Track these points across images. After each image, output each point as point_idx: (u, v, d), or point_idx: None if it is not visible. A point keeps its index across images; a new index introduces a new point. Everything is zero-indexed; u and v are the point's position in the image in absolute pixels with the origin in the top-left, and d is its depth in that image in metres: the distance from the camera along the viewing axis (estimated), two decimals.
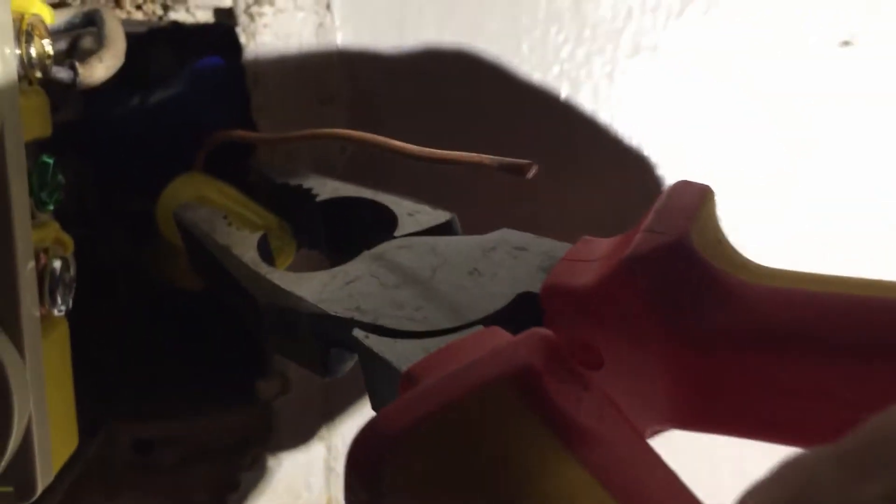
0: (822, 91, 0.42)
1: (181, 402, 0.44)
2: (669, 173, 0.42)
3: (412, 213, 0.33)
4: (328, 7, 0.39)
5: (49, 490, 0.39)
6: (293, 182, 0.35)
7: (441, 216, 0.33)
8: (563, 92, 0.41)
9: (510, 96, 0.41)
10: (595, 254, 0.27)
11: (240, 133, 0.38)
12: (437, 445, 0.21)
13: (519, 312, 0.27)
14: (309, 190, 0.35)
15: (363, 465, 0.21)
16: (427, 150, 0.31)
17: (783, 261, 0.26)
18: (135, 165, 0.43)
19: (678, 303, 0.24)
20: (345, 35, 0.40)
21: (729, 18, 0.42)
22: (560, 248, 0.28)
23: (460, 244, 0.30)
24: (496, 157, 0.29)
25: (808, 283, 0.24)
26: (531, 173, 0.28)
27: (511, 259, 0.29)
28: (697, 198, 0.26)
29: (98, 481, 0.42)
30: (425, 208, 0.33)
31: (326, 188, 0.35)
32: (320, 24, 0.39)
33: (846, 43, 0.42)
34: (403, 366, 0.25)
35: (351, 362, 0.30)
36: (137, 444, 0.42)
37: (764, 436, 0.25)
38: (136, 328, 0.45)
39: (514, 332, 0.24)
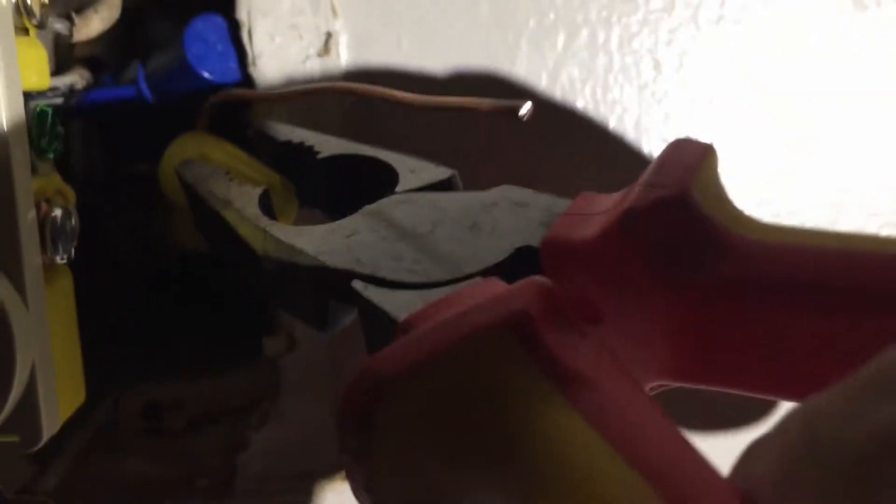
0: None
1: (188, 363, 0.44)
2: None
3: (413, 170, 0.33)
4: None
5: (58, 453, 0.40)
6: (295, 140, 0.36)
7: (442, 172, 0.33)
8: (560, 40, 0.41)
9: (506, 39, 0.41)
10: (595, 208, 0.27)
11: (240, 92, 0.38)
12: (431, 389, 0.21)
13: (518, 266, 0.27)
14: (311, 147, 0.35)
15: (354, 407, 0.21)
16: (425, 97, 0.31)
17: None
18: (140, 129, 0.43)
19: (677, 256, 0.24)
20: None
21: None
22: (560, 203, 0.29)
23: (461, 200, 0.30)
24: (491, 100, 0.29)
25: (806, 238, 0.24)
26: (525, 112, 0.28)
27: (511, 214, 0.29)
28: (699, 154, 0.26)
29: (107, 445, 0.42)
30: (427, 165, 0.33)
31: (328, 145, 0.35)
32: None
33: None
34: (401, 315, 0.25)
35: (349, 316, 0.30)
36: (146, 407, 0.42)
37: (761, 389, 0.25)
38: (143, 292, 0.45)
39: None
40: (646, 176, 0.26)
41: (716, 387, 0.26)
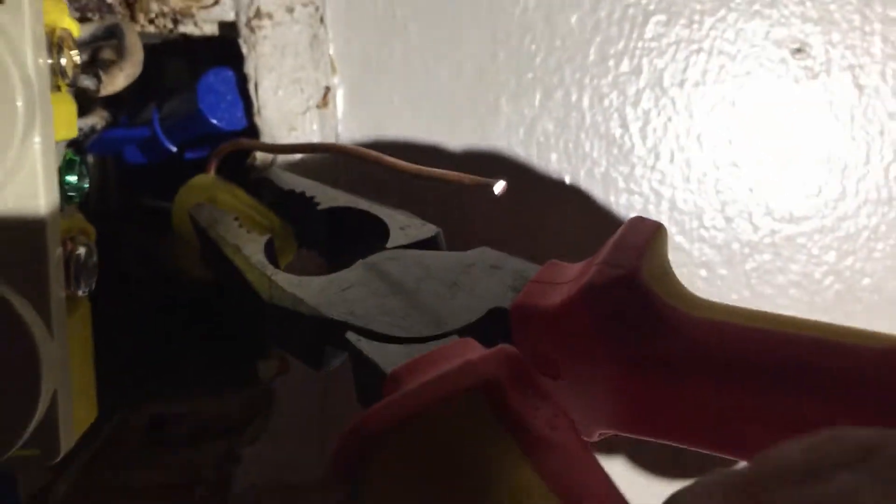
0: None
1: (190, 383, 0.47)
2: (640, 172, 0.46)
3: (403, 227, 0.36)
4: (322, 20, 0.42)
5: (69, 463, 0.43)
6: (298, 189, 0.39)
7: (428, 231, 0.36)
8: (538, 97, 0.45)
9: (488, 97, 0.45)
10: (559, 278, 0.30)
11: (248, 142, 0.41)
12: (413, 444, 0.24)
13: (491, 324, 0.30)
14: (312, 198, 0.38)
15: (345, 457, 0.24)
16: (415, 166, 0.34)
17: None
18: (153, 165, 0.46)
19: (624, 330, 0.27)
20: (337, 45, 0.44)
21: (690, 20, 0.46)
22: (530, 268, 0.32)
23: (444, 259, 0.34)
24: (473, 177, 0.32)
25: (740, 318, 0.27)
26: (499, 190, 0.31)
27: (487, 276, 0.32)
28: (650, 233, 0.29)
29: (114, 456, 0.45)
30: (415, 222, 0.36)
31: (327, 197, 0.38)
32: (314, 36, 0.42)
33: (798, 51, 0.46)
34: (388, 368, 0.28)
35: (341, 358, 0.33)
36: (150, 422, 0.45)
37: (692, 445, 0.28)
38: (151, 316, 0.48)
39: (487, 341, 0.27)
40: (603, 254, 0.29)
41: (654, 439, 0.29)
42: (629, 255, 0.28)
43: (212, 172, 0.40)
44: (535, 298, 0.30)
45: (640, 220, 0.30)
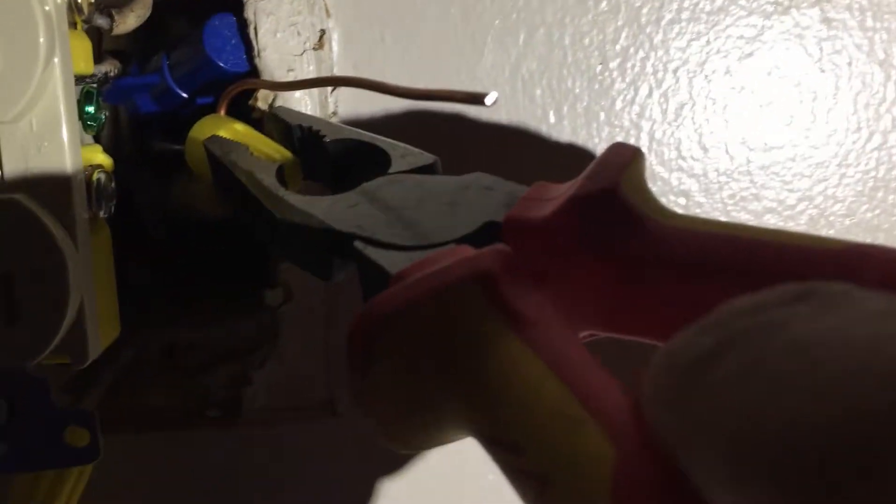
0: None
1: (201, 311, 0.50)
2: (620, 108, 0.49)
3: (404, 155, 0.38)
4: None
5: (92, 387, 0.46)
6: (305, 124, 0.41)
7: (427, 158, 0.38)
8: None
9: (474, 37, 0.48)
10: (546, 195, 0.33)
11: (255, 81, 0.44)
12: (417, 325, 0.27)
13: (485, 236, 0.32)
14: (318, 131, 0.41)
15: (359, 335, 0.27)
16: (410, 88, 0.37)
17: None
18: (164, 114, 0.49)
19: (605, 235, 0.30)
20: None
21: None
22: (520, 189, 0.34)
23: (441, 182, 0.36)
24: (464, 91, 0.35)
25: (709, 226, 0.30)
26: (491, 101, 0.34)
27: (481, 195, 0.34)
28: (629, 155, 0.32)
29: (132, 381, 0.48)
30: (414, 151, 0.39)
31: (332, 130, 0.41)
32: None
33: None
34: (393, 270, 0.30)
35: (346, 271, 0.36)
36: (165, 349, 0.49)
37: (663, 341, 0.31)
38: (164, 252, 0.52)
39: None
40: (587, 171, 0.32)
41: (630, 337, 0.32)
42: (610, 172, 0.31)
43: (223, 112, 0.43)
44: (526, 211, 0.32)
45: (620, 145, 0.33)
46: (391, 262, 0.31)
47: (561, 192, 0.33)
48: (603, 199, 0.31)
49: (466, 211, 0.34)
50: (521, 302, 0.27)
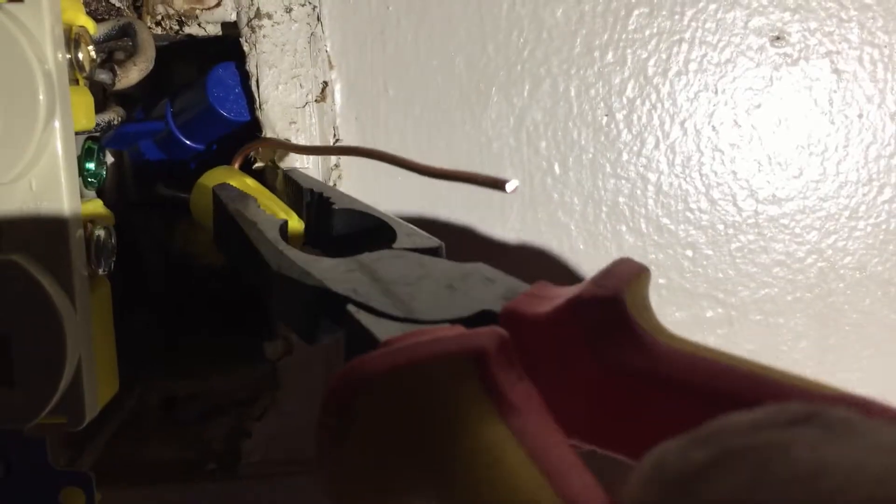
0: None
1: (201, 363, 0.49)
2: (629, 158, 0.49)
3: (409, 234, 0.38)
4: (318, 19, 0.45)
5: (92, 439, 0.45)
6: (316, 189, 0.41)
7: (432, 241, 0.38)
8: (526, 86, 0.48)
9: (478, 88, 0.47)
10: (548, 294, 0.33)
11: (277, 141, 0.44)
12: (402, 391, 0.26)
13: (479, 324, 0.31)
14: (328, 198, 0.40)
15: (339, 394, 0.26)
16: (432, 167, 0.36)
17: None
18: (167, 161, 0.49)
19: (604, 341, 0.30)
20: (333, 42, 0.46)
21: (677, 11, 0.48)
22: (522, 286, 0.34)
23: (443, 265, 0.36)
24: (484, 175, 0.34)
25: (696, 350, 0.30)
26: (511, 188, 0.33)
27: (481, 285, 0.34)
28: (636, 271, 0.32)
29: (131, 433, 0.47)
30: (421, 233, 0.38)
31: (343, 200, 0.41)
32: (312, 34, 0.45)
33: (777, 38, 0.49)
34: (383, 337, 0.30)
35: (333, 336, 0.35)
36: (164, 400, 0.48)
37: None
38: (165, 301, 0.51)
39: None
40: (592, 278, 0.32)
41: (613, 453, 0.31)
42: (615, 282, 0.31)
43: (236, 165, 0.43)
44: (525, 305, 0.32)
45: (627, 260, 0.33)
46: (382, 329, 0.31)
47: (562, 293, 0.32)
48: (605, 306, 0.30)
49: (464, 296, 0.33)
50: (511, 387, 0.27)
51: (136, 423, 0.47)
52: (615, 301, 0.30)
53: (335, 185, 0.47)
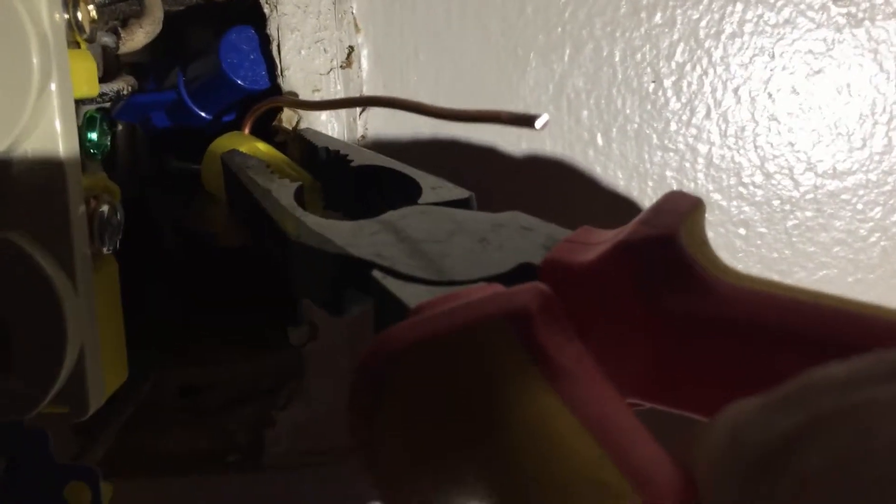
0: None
1: (221, 349, 0.47)
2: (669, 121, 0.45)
3: (435, 188, 0.35)
4: None
5: (105, 427, 0.43)
6: (332, 147, 0.38)
7: (461, 192, 0.35)
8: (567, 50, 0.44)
9: (515, 53, 0.44)
10: (592, 240, 0.30)
11: (284, 99, 0.41)
12: (436, 362, 0.23)
13: (518, 278, 0.29)
14: (346, 156, 0.38)
15: (369, 369, 0.24)
16: (451, 109, 0.33)
17: None
18: (181, 133, 0.46)
19: (660, 287, 0.27)
20: (360, 3, 0.43)
21: None
22: (562, 232, 0.31)
23: (475, 217, 0.33)
24: (510, 112, 0.31)
25: (769, 287, 0.27)
26: (541, 124, 0.30)
27: (518, 235, 0.31)
28: (690, 205, 0.29)
29: (148, 422, 0.45)
30: (447, 184, 0.36)
31: (361, 156, 0.38)
32: None
33: None
34: (413, 303, 0.27)
35: (361, 307, 0.32)
36: (184, 387, 0.46)
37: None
38: (183, 283, 0.49)
39: None
40: (640, 216, 0.29)
41: (676, 410, 0.28)
42: (668, 219, 0.28)
43: (247, 130, 0.40)
44: (568, 255, 0.29)
45: (678, 193, 0.30)
46: (411, 295, 0.28)
47: (608, 237, 0.29)
48: (659, 247, 0.27)
49: (500, 250, 0.30)
50: (558, 349, 0.24)
51: (154, 412, 0.46)
52: (670, 240, 0.27)
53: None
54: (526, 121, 0.30)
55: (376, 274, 0.29)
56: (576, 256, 0.29)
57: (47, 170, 0.32)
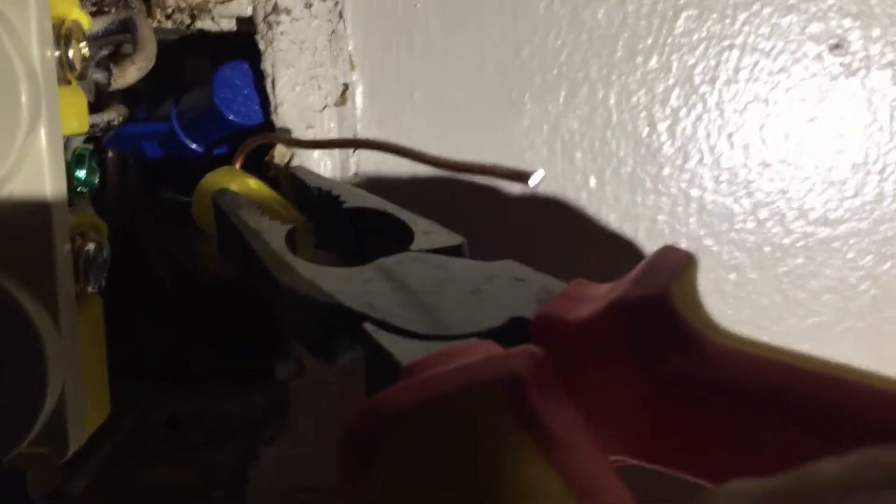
0: None
1: (209, 382, 0.47)
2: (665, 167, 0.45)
3: (427, 232, 0.35)
4: (341, 15, 0.42)
5: (86, 460, 0.43)
6: (324, 187, 0.38)
7: (453, 239, 0.35)
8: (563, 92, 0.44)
9: (511, 94, 0.44)
10: (585, 295, 0.29)
11: (278, 136, 0.41)
12: (429, 427, 0.23)
13: (511, 334, 0.29)
14: (338, 196, 0.37)
15: (358, 436, 0.24)
16: (448, 159, 0.33)
17: None
18: (173, 164, 0.46)
19: (652, 348, 0.27)
20: (356, 41, 0.43)
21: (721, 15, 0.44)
22: (556, 284, 0.31)
23: (467, 266, 0.33)
24: (505, 167, 0.31)
25: (761, 350, 0.26)
26: (535, 181, 0.30)
27: (511, 287, 0.31)
28: (682, 262, 0.29)
29: (133, 454, 0.45)
30: (440, 229, 0.35)
31: (354, 197, 0.37)
32: (333, 31, 0.41)
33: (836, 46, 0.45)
34: (405, 360, 0.27)
35: (352, 354, 0.32)
36: (168, 420, 0.45)
37: (701, 476, 0.27)
38: (172, 316, 0.48)
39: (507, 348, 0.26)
40: (633, 274, 0.29)
41: (666, 469, 0.28)
42: (660, 277, 0.28)
43: (237, 165, 0.40)
44: (561, 310, 0.29)
45: (671, 248, 0.30)
46: (403, 350, 0.28)
47: (602, 293, 0.29)
48: (651, 307, 0.27)
49: (493, 302, 0.30)
50: (551, 416, 0.23)
51: (137, 444, 0.45)
52: (662, 300, 0.27)
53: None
54: (520, 177, 0.30)
55: (368, 327, 0.29)
56: (569, 313, 0.29)
57: (33, 210, 0.31)
